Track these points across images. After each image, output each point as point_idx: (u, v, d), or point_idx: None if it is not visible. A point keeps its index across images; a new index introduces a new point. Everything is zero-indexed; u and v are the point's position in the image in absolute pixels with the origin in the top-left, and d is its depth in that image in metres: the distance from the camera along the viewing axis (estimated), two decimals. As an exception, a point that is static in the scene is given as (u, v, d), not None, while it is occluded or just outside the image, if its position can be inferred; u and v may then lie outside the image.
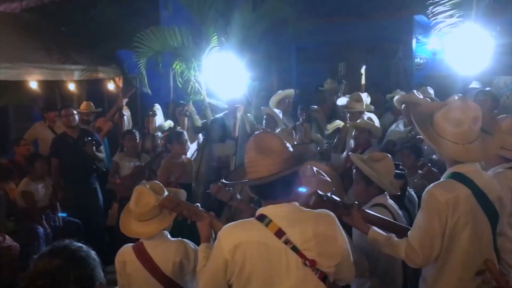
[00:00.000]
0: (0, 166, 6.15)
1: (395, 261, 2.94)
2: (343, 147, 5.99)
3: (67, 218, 6.19)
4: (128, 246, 2.96)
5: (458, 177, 2.59)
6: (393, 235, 2.70)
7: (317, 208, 2.33)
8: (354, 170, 3.31)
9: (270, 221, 2.12)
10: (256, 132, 2.29)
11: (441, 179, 2.69)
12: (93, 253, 2.00)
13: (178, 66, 7.52)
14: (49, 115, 7.23)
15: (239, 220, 2.24)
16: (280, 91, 7.29)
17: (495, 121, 2.83)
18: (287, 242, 2.09)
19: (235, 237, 2.13)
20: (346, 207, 2.65)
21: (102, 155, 6.62)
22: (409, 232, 2.63)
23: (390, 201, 3.21)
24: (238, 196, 2.96)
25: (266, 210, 2.16)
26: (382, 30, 8.65)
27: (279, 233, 2.10)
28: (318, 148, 5.86)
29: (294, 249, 2.10)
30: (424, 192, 2.62)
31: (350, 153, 3.96)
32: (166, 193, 2.95)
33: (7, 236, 5.11)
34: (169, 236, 3.00)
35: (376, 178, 3.09)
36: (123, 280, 2.94)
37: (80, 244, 2.00)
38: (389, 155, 3.31)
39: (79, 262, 1.90)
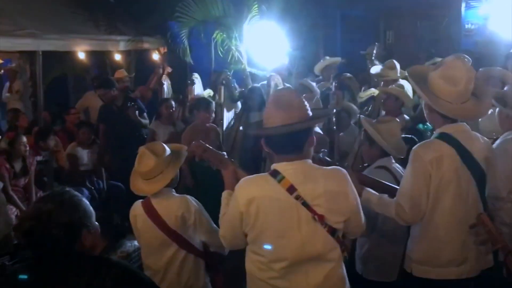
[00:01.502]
0: (43, 128, 6.53)
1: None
2: (378, 115, 5.92)
3: (111, 182, 6.56)
4: (138, 202, 3.18)
5: (444, 137, 2.63)
6: (385, 195, 2.75)
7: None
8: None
9: (283, 177, 2.22)
10: (278, 89, 2.39)
11: (428, 140, 2.74)
12: (84, 202, 2.16)
13: (219, 36, 7.63)
14: (97, 89, 7.57)
15: (255, 175, 2.38)
16: (327, 57, 7.27)
17: (485, 86, 2.80)
18: (298, 197, 2.20)
19: (249, 191, 2.26)
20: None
21: (145, 121, 6.89)
22: (397, 191, 2.69)
23: (396, 165, 3.23)
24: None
25: (280, 166, 2.26)
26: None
27: (291, 189, 2.21)
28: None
29: (305, 204, 2.21)
30: (410, 152, 2.69)
31: (361, 116, 3.97)
32: (167, 153, 3.11)
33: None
34: (173, 192, 3.19)
35: (377, 139, 3.12)
36: (136, 232, 3.19)
37: (75, 193, 2.17)
38: (396, 119, 3.31)
39: (68, 209, 2.08)
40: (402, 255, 2.84)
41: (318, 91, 6.23)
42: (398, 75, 5.90)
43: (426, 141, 2.72)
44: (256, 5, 7.32)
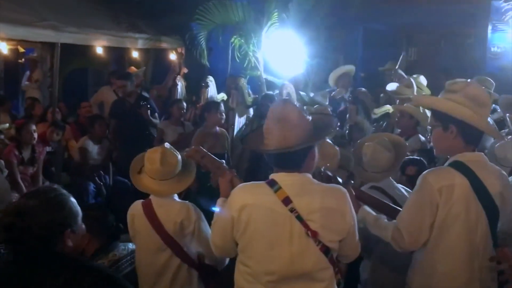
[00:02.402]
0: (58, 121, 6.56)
1: None
2: (392, 132, 5.82)
3: (117, 178, 6.55)
4: (138, 201, 3.13)
5: (457, 165, 2.46)
6: (383, 216, 2.64)
7: None
8: None
9: (279, 188, 2.17)
10: (278, 102, 2.33)
11: (440, 166, 2.60)
12: (71, 202, 2.11)
13: (237, 41, 7.61)
14: (114, 80, 7.63)
15: (250, 183, 2.32)
16: (342, 66, 7.17)
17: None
18: (292, 210, 2.15)
19: (243, 197, 2.23)
20: (338, 183, 2.62)
21: (156, 121, 6.88)
22: (398, 215, 2.55)
23: (397, 186, 3.14)
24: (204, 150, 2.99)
25: (278, 176, 2.21)
26: (455, 15, 8.21)
27: (286, 201, 2.16)
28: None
29: (299, 218, 2.15)
30: (419, 177, 2.52)
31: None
32: (176, 165, 3.06)
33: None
34: (176, 197, 3.13)
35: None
36: (132, 232, 3.13)
37: (62, 192, 2.13)
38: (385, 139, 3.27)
39: (52, 207, 2.03)
40: (402, 282, 2.70)
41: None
42: (415, 93, 5.78)
43: (437, 168, 2.56)
44: (276, 13, 7.29)
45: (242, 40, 7.51)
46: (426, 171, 2.53)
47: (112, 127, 6.73)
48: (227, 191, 2.49)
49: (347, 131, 5.79)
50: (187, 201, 3.10)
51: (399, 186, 3.16)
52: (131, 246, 3.47)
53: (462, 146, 2.48)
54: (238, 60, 7.69)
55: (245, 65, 7.61)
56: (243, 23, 7.45)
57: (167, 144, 3.11)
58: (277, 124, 2.16)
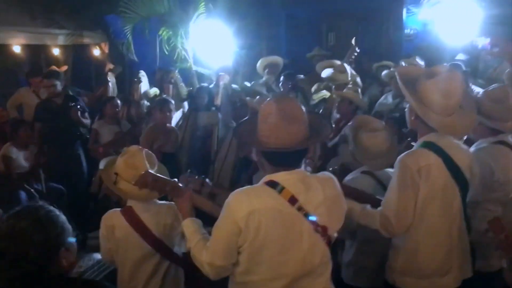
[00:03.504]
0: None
1: None
2: (329, 118, 5.97)
3: (50, 184, 6.16)
4: (116, 211, 2.92)
5: (429, 145, 2.60)
6: (368, 205, 2.71)
7: None
8: None
9: (283, 188, 2.10)
10: (277, 96, 2.20)
11: (413, 148, 2.71)
12: (62, 218, 1.97)
13: (164, 33, 7.42)
14: (34, 80, 7.10)
15: (248, 187, 2.20)
16: (270, 57, 7.21)
17: (469, 95, 2.83)
18: (300, 209, 2.10)
19: (248, 203, 2.08)
20: None
21: (87, 121, 6.55)
22: (382, 202, 2.65)
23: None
24: (209, 182, 2.88)
25: (277, 176, 2.13)
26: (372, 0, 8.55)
27: (292, 200, 2.10)
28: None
29: (307, 216, 2.11)
30: (396, 161, 2.63)
31: None
32: (156, 167, 2.92)
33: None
34: (156, 200, 2.99)
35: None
36: (111, 244, 2.91)
37: (50, 208, 1.98)
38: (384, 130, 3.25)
39: (45, 226, 1.88)
40: (383, 263, 2.80)
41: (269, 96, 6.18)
42: (349, 78, 5.96)
43: (412, 150, 2.67)
44: (203, 3, 7.18)
45: (170, 32, 7.33)
46: (402, 154, 2.64)
47: (38, 131, 6.31)
48: (190, 211, 2.40)
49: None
50: (171, 202, 2.95)
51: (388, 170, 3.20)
52: (96, 256, 3.30)
53: (427, 129, 2.63)
54: (166, 53, 7.49)
55: (174, 57, 7.43)
56: (169, 14, 7.28)
57: (134, 146, 2.96)
58: (285, 121, 2.07)
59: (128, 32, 7.16)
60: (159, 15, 7.31)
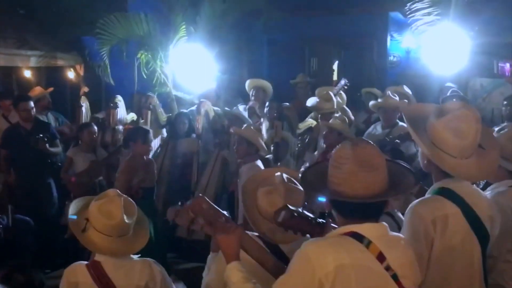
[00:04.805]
0: None
1: None
2: (315, 147, 5.76)
3: (17, 216, 5.73)
4: (81, 265, 2.56)
5: (446, 193, 2.31)
6: None
7: (286, 226, 2.02)
8: None
9: (370, 242, 1.83)
10: (355, 141, 1.92)
11: (427, 195, 2.41)
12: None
13: (143, 56, 7.15)
14: (4, 103, 6.77)
15: (326, 236, 1.91)
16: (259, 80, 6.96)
17: (491, 134, 2.54)
18: (388, 268, 1.83)
19: (336, 256, 1.80)
20: (319, 224, 2.33)
21: (58, 149, 6.19)
22: None
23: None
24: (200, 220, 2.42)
25: (362, 228, 1.86)
26: (356, 26, 8.47)
27: (381, 257, 1.83)
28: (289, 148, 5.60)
29: (394, 277, 1.84)
30: (407, 210, 2.34)
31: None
32: (136, 215, 2.58)
33: None
34: (132, 255, 2.63)
35: None
36: None
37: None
38: None
39: None
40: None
41: (250, 121, 5.93)
42: (335, 107, 5.76)
43: (426, 198, 2.37)
44: (183, 26, 6.94)
45: (149, 55, 7.04)
46: (414, 202, 2.35)
47: (3, 158, 5.98)
48: (237, 253, 2.01)
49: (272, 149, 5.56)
50: (146, 258, 2.62)
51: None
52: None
53: (443, 174, 2.35)
54: (145, 77, 7.20)
55: (153, 81, 7.13)
56: (149, 37, 7.01)
57: (112, 190, 2.62)
58: (362, 168, 1.81)
59: (104, 55, 6.84)
60: (137, 37, 7.03)
